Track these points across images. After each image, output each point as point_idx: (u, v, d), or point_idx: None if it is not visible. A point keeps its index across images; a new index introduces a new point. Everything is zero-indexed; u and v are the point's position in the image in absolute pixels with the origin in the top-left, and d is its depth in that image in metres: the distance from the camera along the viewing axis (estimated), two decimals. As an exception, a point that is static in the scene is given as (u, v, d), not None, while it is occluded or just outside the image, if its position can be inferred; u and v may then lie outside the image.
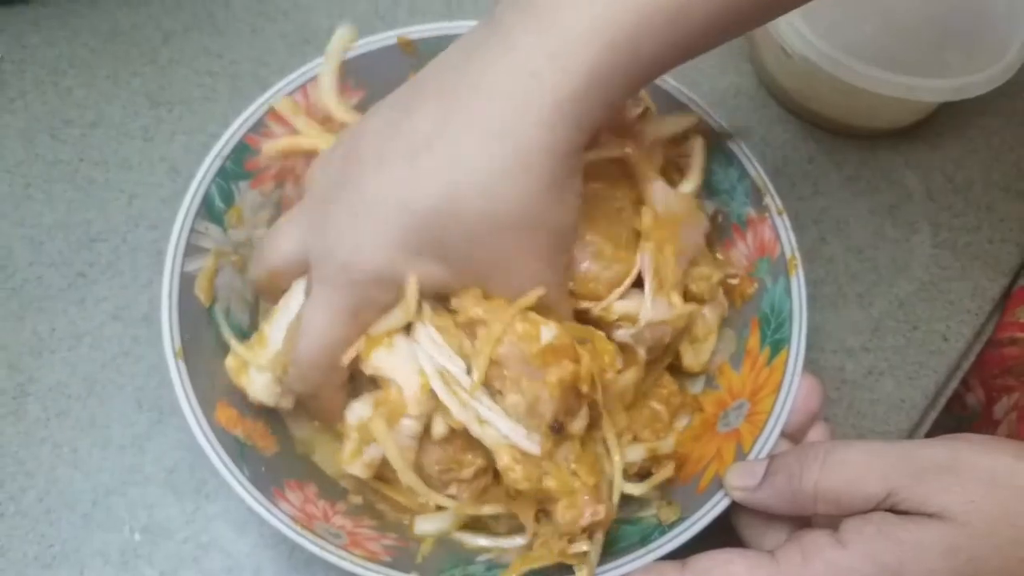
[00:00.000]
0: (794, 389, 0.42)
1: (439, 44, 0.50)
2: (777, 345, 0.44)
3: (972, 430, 0.57)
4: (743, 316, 0.47)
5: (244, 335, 0.46)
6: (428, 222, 0.37)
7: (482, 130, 0.37)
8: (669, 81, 0.50)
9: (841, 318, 0.56)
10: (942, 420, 0.55)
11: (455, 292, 0.40)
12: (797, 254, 0.46)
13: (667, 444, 0.43)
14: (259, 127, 0.48)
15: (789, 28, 0.57)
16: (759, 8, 0.38)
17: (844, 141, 0.63)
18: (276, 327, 0.43)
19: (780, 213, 0.47)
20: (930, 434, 0.55)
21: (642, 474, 0.44)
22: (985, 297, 0.58)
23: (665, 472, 0.43)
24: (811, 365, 0.53)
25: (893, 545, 0.34)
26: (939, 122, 0.64)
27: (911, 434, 0.53)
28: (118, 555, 0.47)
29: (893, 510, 0.35)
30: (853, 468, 0.36)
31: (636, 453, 0.43)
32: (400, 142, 0.38)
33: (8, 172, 0.57)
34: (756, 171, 0.48)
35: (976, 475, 0.35)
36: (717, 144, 0.49)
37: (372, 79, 0.50)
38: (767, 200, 0.47)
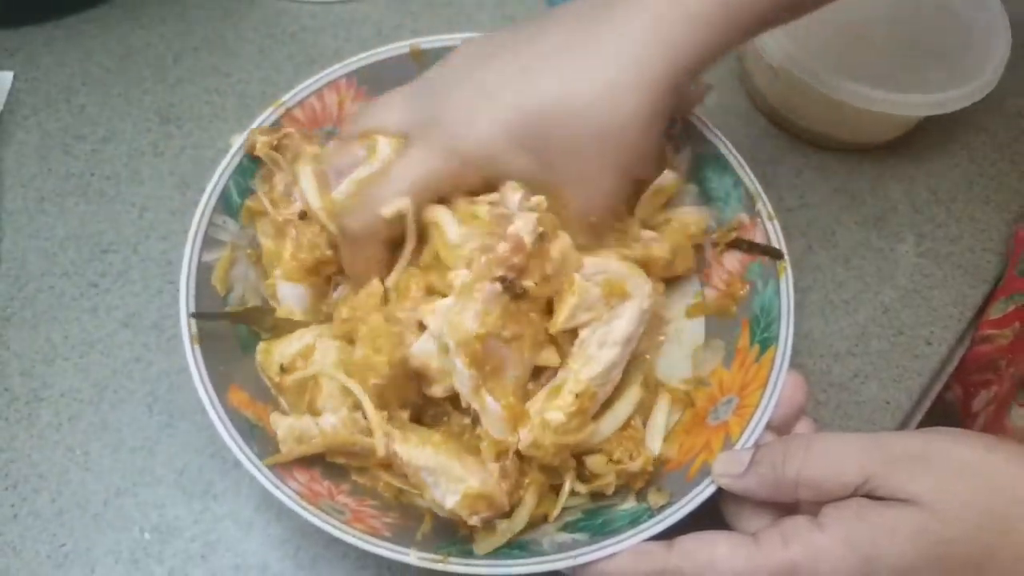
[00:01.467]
0: (780, 384, 0.44)
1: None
2: (765, 343, 0.46)
3: (951, 424, 0.59)
4: (735, 317, 0.49)
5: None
6: (538, 119, 0.43)
7: (606, 53, 0.42)
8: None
9: (828, 324, 0.58)
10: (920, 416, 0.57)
11: (533, 190, 0.44)
12: (787, 257, 0.48)
13: (636, 465, 0.45)
14: (276, 127, 0.50)
15: (777, 48, 0.59)
16: None
17: (831, 155, 0.65)
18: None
19: (771, 218, 0.49)
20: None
21: (620, 485, 0.46)
22: (967, 304, 0.60)
23: (607, 479, 0.45)
24: (800, 369, 0.54)
25: (867, 528, 0.36)
26: (922, 136, 0.66)
27: (896, 434, 0.55)
28: (128, 554, 0.48)
29: (870, 496, 0.37)
30: (833, 457, 0.38)
31: (607, 475, 0.45)
32: (527, 52, 0.44)
33: (23, 186, 0.59)
34: (749, 179, 0.50)
35: (947, 464, 0.36)
36: (713, 153, 0.51)
37: (384, 86, 0.52)
38: (759, 206, 0.49)
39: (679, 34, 0.42)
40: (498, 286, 0.41)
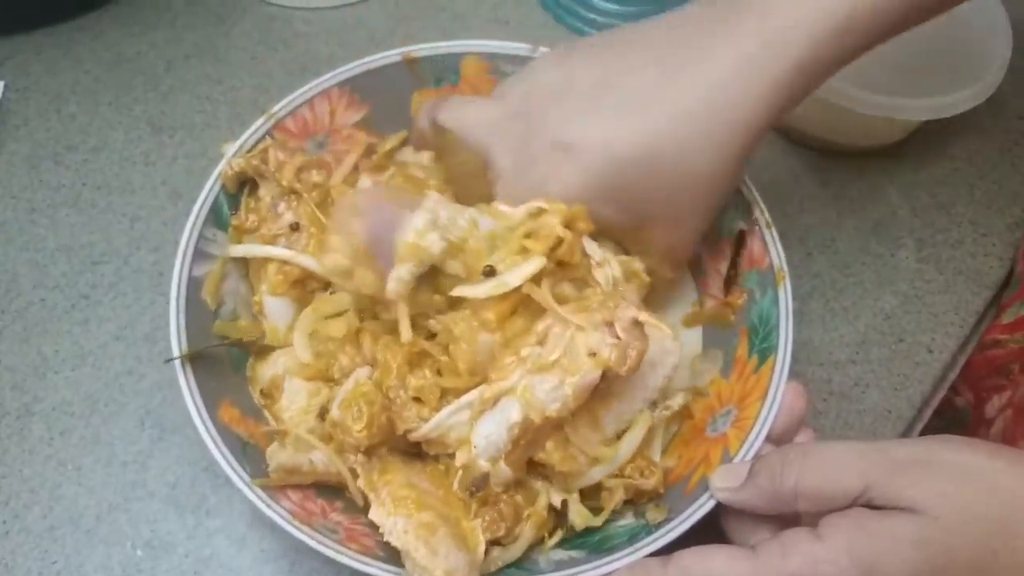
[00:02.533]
0: (779, 395, 0.43)
1: (442, 61, 0.52)
2: (764, 353, 0.45)
3: (963, 431, 0.58)
4: (734, 327, 0.48)
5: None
6: (624, 169, 0.42)
7: (694, 98, 0.42)
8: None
9: (828, 332, 0.57)
10: (932, 423, 0.56)
11: (612, 235, 0.45)
12: (785, 266, 0.47)
13: (650, 483, 0.44)
14: (267, 137, 0.50)
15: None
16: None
17: (830, 160, 0.65)
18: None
19: (769, 227, 0.48)
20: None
21: (627, 500, 0.45)
22: (968, 310, 0.59)
23: (618, 497, 0.44)
24: (799, 377, 0.54)
25: (868, 537, 0.35)
26: (922, 141, 0.65)
27: (898, 444, 0.54)
28: (120, 570, 0.47)
29: (870, 505, 0.36)
30: (832, 466, 0.37)
31: (618, 493, 0.44)
32: (612, 96, 0.43)
33: (13, 197, 0.58)
34: (747, 187, 0.49)
35: (948, 471, 0.36)
36: None
37: (376, 94, 0.52)
38: (756, 214, 0.49)
39: (776, 75, 0.41)
40: (599, 377, 0.40)
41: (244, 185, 0.50)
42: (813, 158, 0.65)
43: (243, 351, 0.47)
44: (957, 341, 0.58)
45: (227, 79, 0.65)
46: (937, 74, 0.60)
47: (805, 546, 0.36)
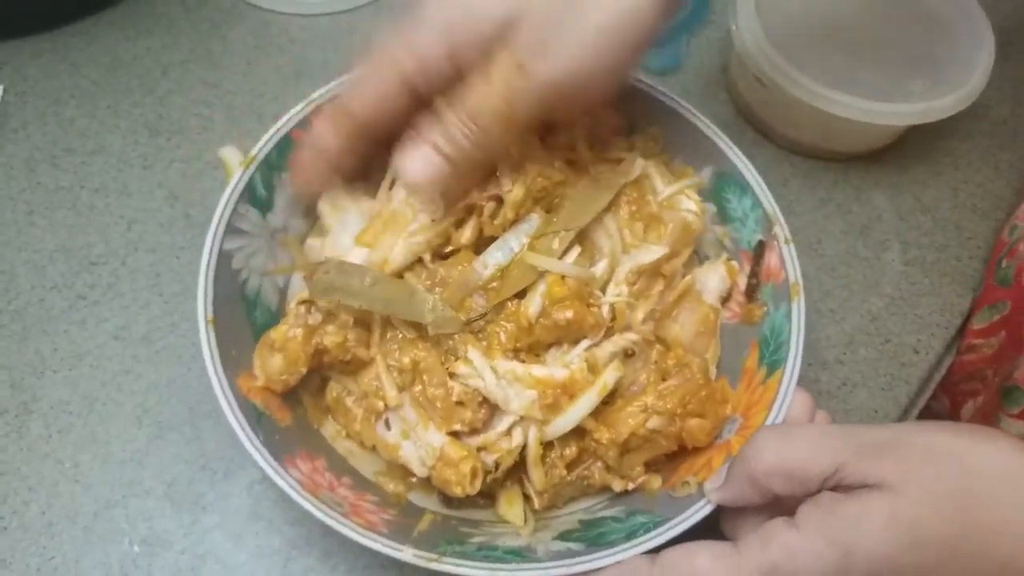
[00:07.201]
0: (785, 406, 0.44)
1: None
2: (773, 366, 0.46)
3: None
4: (744, 336, 0.49)
5: (274, 318, 0.49)
6: None
7: None
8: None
9: (816, 333, 0.58)
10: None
11: None
12: (800, 281, 0.48)
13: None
14: (304, 124, 0.50)
15: (763, 59, 0.60)
16: None
17: (817, 164, 0.66)
18: None
19: (787, 242, 0.49)
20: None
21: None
22: (953, 311, 0.60)
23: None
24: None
25: (840, 521, 0.36)
26: (907, 145, 0.67)
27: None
28: (118, 567, 0.48)
29: (840, 485, 0.37)
30: (804, 447, 0.38)
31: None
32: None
33: (11, 199, 0.59)
34: (768, 202, 0.50)
35: (913, 448, 0.37)
36: (733, 173, 0.52)
37: None
38: (776, 229, 0.49)
39: None
40: None
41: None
42: (800, 163, 0.66)
43: (264, 323, 0.48)
44: (942, 342, 0.59)
45: (223, 83, 0.65)
46: (922, 79, 0.62)
47: (783, 536, 0.37)
